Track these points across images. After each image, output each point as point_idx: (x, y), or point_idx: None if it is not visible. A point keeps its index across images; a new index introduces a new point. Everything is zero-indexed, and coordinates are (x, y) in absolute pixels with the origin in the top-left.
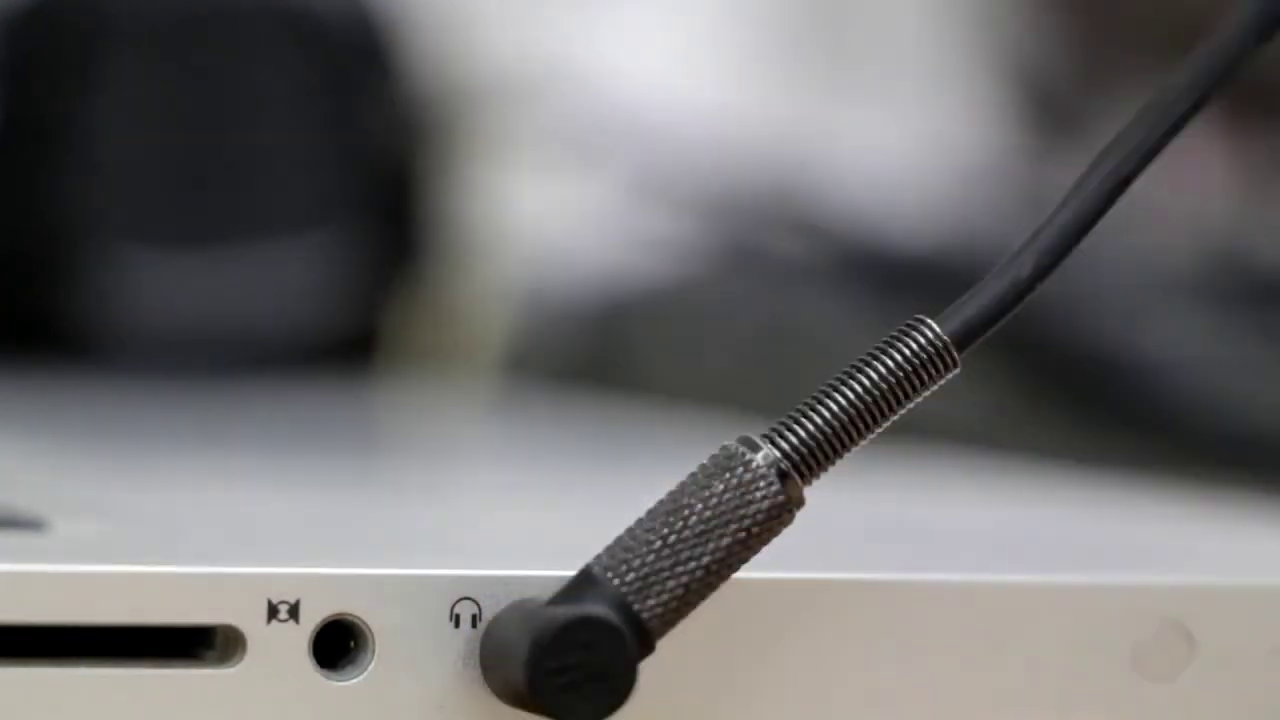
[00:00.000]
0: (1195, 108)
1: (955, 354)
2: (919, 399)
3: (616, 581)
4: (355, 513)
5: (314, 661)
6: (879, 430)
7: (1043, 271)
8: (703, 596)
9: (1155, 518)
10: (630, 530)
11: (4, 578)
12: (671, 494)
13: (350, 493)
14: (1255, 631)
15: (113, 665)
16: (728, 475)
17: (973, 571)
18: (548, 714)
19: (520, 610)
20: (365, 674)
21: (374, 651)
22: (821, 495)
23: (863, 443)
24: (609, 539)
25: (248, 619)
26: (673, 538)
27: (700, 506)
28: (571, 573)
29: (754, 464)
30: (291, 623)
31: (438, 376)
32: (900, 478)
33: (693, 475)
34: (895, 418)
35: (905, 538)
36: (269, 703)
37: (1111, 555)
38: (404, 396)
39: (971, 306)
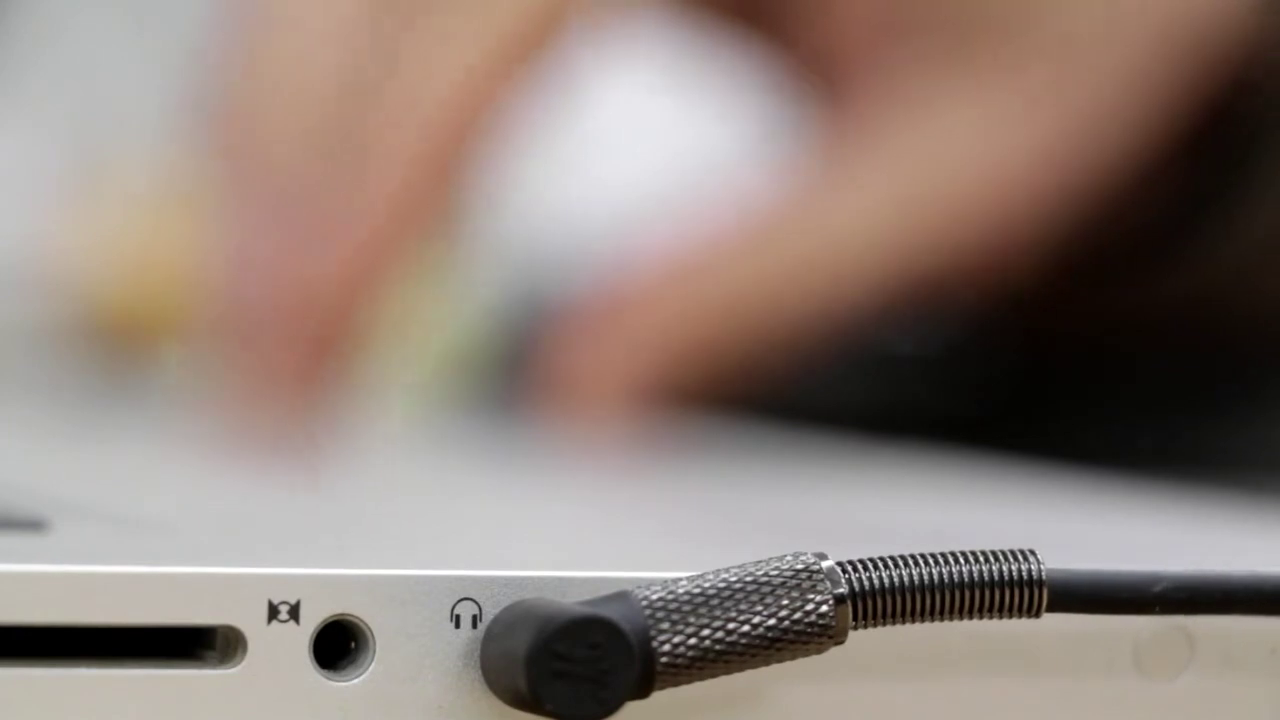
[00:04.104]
0: None
1: (1042, 602)
2: (987, 618)
3: (645, 605)
4: (355, 513)
5: (314, 662)
6: (936, 620)
7: (1167, 603)
8: (711, 670)
9: (1155, 516)
10: (689, 577)
11: (4, 578)
12: (740, 565)
13: (350, 493)
14: (1255, 631)
15: (113, 666)
16: (790, 574)
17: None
18: (546, 712)
19: (522, 609)
20: (365, 674)
21: (374, 652)
22: (813, 489)
23: (914, 622)
24: (608, 538)
25: (248, 619)
26: (716, 600)
27: (753, 585)
28: (571, 573)
29: (819, 574)
30: (292, 623)
31: (433, 376)
32: (892, 477)
33: (761, 561)
34: (957, 619)
35: (899, 537)
36: (269, 703)
37: (1112, 554)
38: (401, 396)
39: (1087, 575)
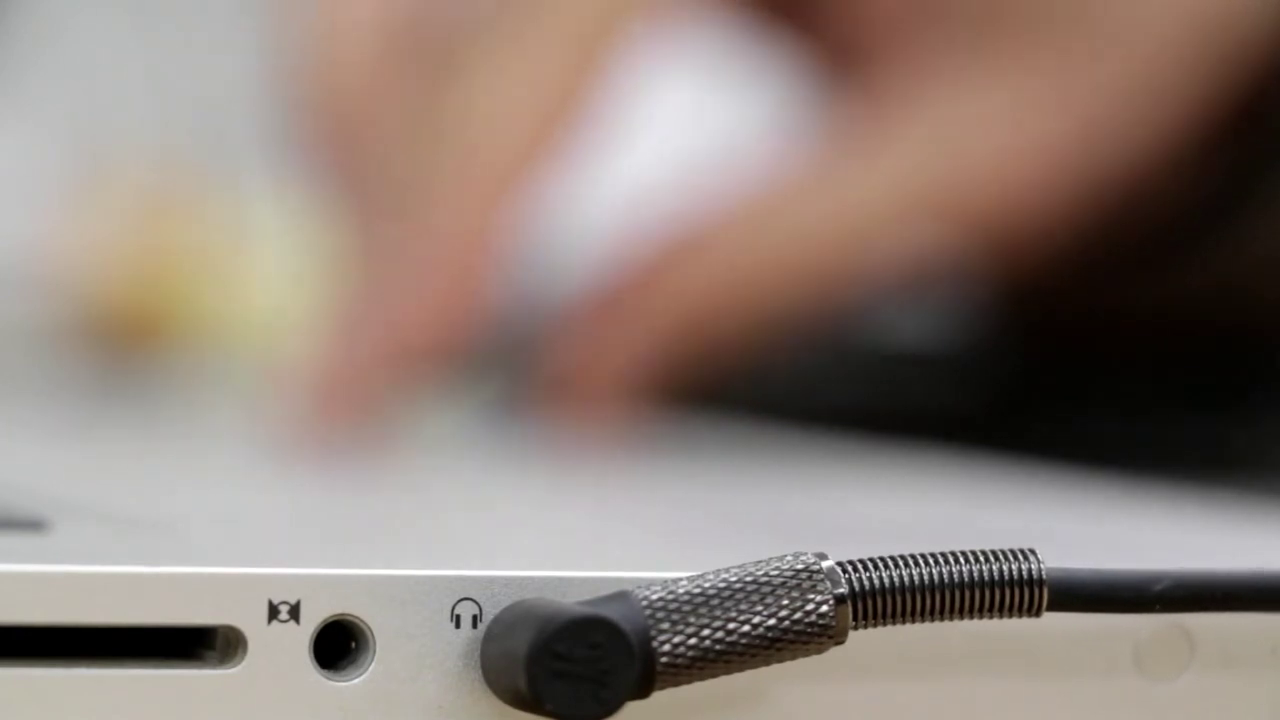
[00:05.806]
0: None
1: (1043, 602)
2: (987, 617)
3: (645, 605)
4: (355, 513)
5: (314, 662)
6: (936, 620)
7: (1167, 602)
8: (711, 670)
9: (1155, 516)
10: (689, 577)
11: (4, 578)
12: (740, 565)
13: (350, 493)
14: (1255, 630)
15: (113, 666)
16: (790, 574)
17: None
18: (546, 712)
19: (522, 609)
20: (366, 674)
21: (374, 652)
22: (813, 489)
23: (914, 622)
24: (608, 539)
25: (248, 620)
26: (716, 600)
27: (753, 585)
28: (571, 573)
29: (819, 574)
30: (292, 623)
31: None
32: (890, 475)
33: (761, 561)
34: (957, 619)
35: (899, 537)
36: (270, 703)
37: (1112, 554)
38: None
39: (1088, 575)
